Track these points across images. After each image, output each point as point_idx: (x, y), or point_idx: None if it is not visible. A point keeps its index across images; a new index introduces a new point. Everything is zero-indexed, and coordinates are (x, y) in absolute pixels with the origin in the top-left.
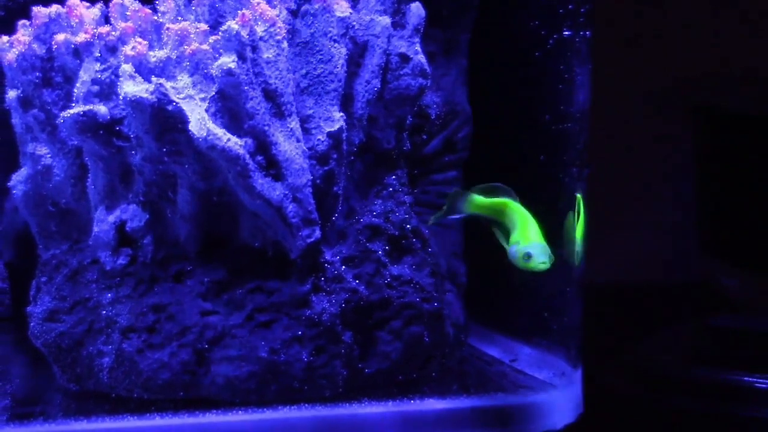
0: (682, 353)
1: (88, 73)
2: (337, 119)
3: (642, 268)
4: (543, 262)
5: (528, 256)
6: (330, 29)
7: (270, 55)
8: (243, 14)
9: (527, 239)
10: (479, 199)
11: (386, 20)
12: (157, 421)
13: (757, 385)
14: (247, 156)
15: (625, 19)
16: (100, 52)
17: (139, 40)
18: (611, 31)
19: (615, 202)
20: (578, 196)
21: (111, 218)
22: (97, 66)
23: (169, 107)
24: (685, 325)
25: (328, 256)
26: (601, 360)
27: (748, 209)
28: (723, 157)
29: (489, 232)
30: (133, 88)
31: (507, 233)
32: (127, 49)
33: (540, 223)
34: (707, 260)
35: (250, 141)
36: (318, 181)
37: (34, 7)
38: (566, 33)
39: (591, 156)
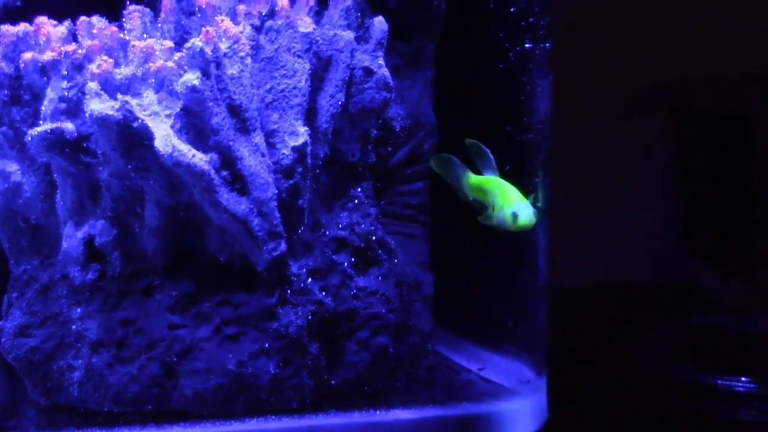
0: (663, 354)
1: (55, 90)
2: (301, 133)
3: (622, 269)
4: (529, 217)
5: (514, 216)
6: (293, 45)
7: (234, 72)
8: (207, 31)
9: (510, 202)
10: (473, 179)
11: (349, 35)
12: None
13: (736, 387)
14: (213, 171)
15: (605, 23)
16: (66, 70)
17: (105, 57)
18: (592, 34)
19: (595, 204)
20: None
21: (80, 234)
22: (64, 84)
23: (135, 124)
24: (665, 325)
25: (294, 269)
26: (581, 362)
27: (729, 209)
28: (703, 157)
29: (459, 235)
30: (99, 105)
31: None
32: (93, 67)
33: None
34: (687, 260)
35: (215, 156)
36: (283, 195)
37: (1, 26)
38: (527, 45)
39: (571, 158)
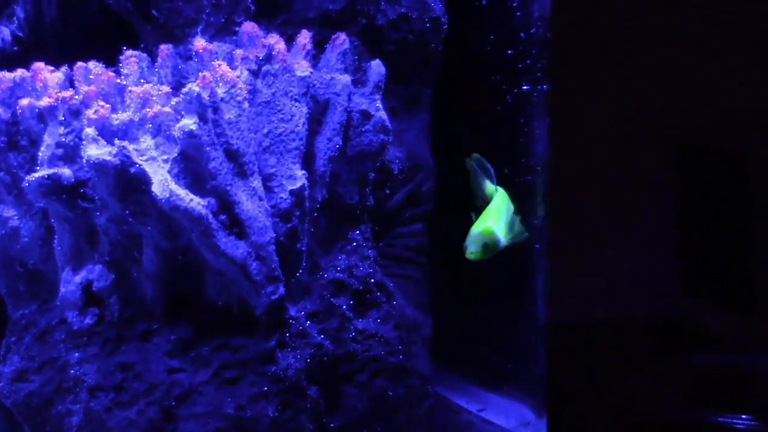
0: (663, 393)
1: (52, 136)
2: (299, 177)
3: (621, 306)
4: (471, 252)
5: (465, 247)
6: (291, 88)
7: (231, 116)
8: (204, 76)
9: (475, 227)
10: (491, 189)
11: (347, 78)
12: None
13: (737, 425)
14: (210, 215)
15: (605, 60)
16: (63, 116)
17: (102, 103)
18: (591, 71)
19: (594, 241)
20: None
21: (77, 278)
22: (61, 129)
23: (132, 169)
24: (665, 364)
25: (292, 312)
26: (580, 401)
27: (729, 247)
28: (703, 195)
29: (457, 276)
30: (96, 151)
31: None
32: (90, 113)
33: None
34: (688, 298)
35: (212, 201)
36: (281, 239)
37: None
38: (525, 87)
39: (570, 197)
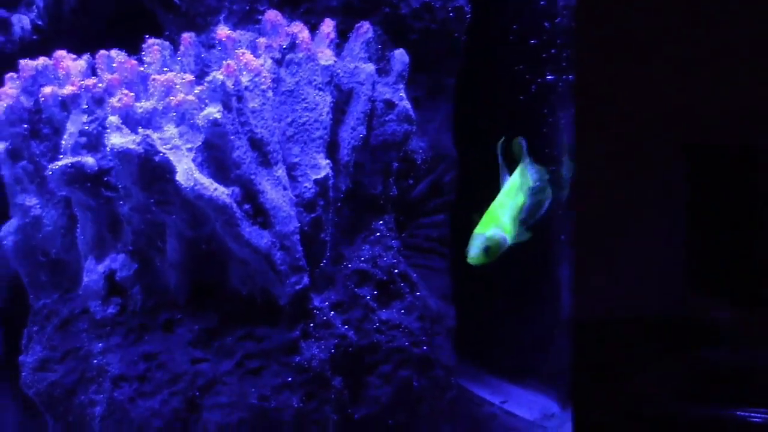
0: (674, 389)
1: (75, 124)
2: (323, 166)
3: (631, 303)
4: (471, 257)
5: (467, 252)
6: (314, 77)
7: (255, 105)
8: (228, 65)
9: (478, 229)
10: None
11: (371, 67)
12: None
13: (752, 419)
14: (234, 205)
15: (616, 56)
16: (87, 104)
17: (126, 91)
18: (603, 68)
19: (604, 238)
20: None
21: (100, 268)
22: (84, 118)
23: (156, 158)
24: (675, 360)
25: (316, 302)
26: (592, 398)
27: (738, 242)
28: (713, 190)
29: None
30: (120, 139)
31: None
32: (114, 101)
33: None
34: (697, 294)
35: (237, 190)
36: (305, 228)
37: (21, 61)
38: (550, 77)
39: (580, 192)
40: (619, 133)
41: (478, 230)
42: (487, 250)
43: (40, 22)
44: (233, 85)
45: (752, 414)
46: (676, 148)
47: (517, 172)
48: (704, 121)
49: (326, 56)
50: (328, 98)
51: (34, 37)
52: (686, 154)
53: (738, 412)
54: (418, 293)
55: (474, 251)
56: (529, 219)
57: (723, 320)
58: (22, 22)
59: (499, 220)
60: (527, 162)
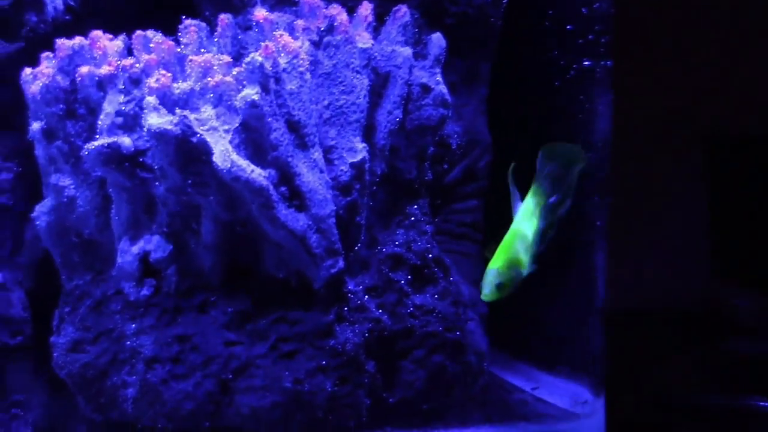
0: (698, 379)
1: (111, 105)
2: (359, 150)
3: (654, 294)
4: (484, 295)
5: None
6: (352, 60)
7: (293, 87)
8: (266, 46)
9: (491, 265)
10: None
11: (408, 51)
12: None
13: None
14: (271, 187)
15: (640, 46)
16: (123, 84)
17: (163, 72)
18: (628, 58)
19: (627, 229)
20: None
21: (135, 249)
22: (121, 98)
23: (194, 139)
24: (699, 350)
25: (351, 286)
26: (617, 387)
27: (761, 232)
28: (735, 180)
29: None
30: (157, 120)
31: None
32: (151, 81)
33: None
34: (720, 284)
35: (273, 172)
36: (341, 212)
37: (57, 40)
38: (586, 63)
39: (615, 180)
40: (654, 122)
41: (491, 265)
42: (500, 286)
43: (72, 2)
44: (271, 66)
45: None
46: (706, 137)
47: (529, 195)
48: (726, 110)
49: (364, 39)
50: (365, 81)
51: (67, 17)
52: (714, 144)
53: (762, 402)
54: (451, 278)
55: (487, 288)
56: (543, 242)
57: (748, 311)
58: (55, 2)
59: (513, 252)
60: (541, 178)
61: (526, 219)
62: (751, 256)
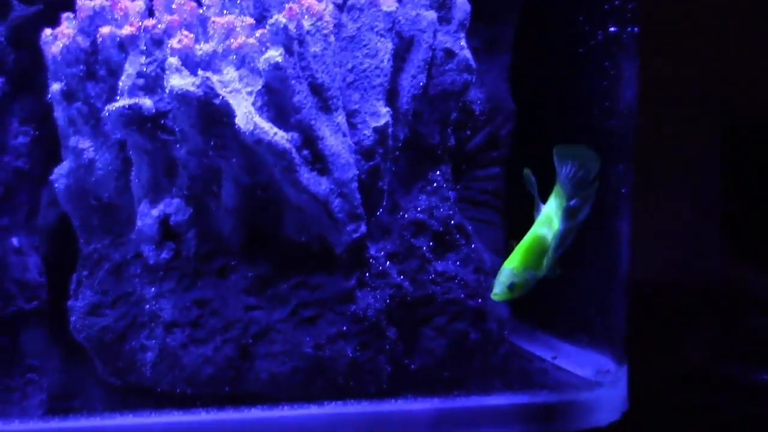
0: (716, 352)
1: (133, 66)
2: (383, 114)
3: (670, 268)
4: (494, 294)
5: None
6: (376, 24)
7: (317, 50)
8: (290, 8)
9: (505, 264)
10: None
11: (432, 15)
12: (203, 416)
13: None
14: (294, 150)
15: (659, 25)
16: (145, 45)
17: (186, 33)
18: (670, 21)
19: (642, 204)
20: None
21: (155, 212)
22: (143, 59)
23: (216, 101)
24: (721, 325)
25: (372, 252)
26: (640, 362)
27: None
28: (752, 158)
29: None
30: (179, 81)
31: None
32: (174, 42)
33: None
34: (735, 261)
35: (296, 135)
36: (363, 176)
37: (78, 0)
38: (612, 29)
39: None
40: (679, 92)
41: (507, 264)
42: (512, 286)
43: None
44: (295, 28)
45: None
46: (717, 114)
47: (552, 197)
48: (741, 91)
49: (388, 2)
50: (389, 45)
51: None
52: (724, 121)
53: None
54: (473, 245)
55: (499, 287)
56: (562, 246)
57: (761, 287)
58: None
59: (530, 254)
60: (563, 179)
61: (547, 221)
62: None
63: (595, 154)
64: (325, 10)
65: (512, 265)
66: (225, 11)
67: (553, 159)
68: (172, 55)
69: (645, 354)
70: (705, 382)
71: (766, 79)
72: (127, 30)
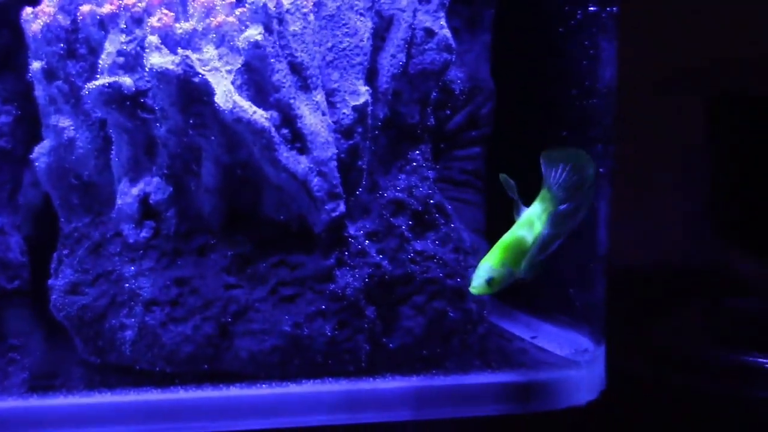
0: (697, 335)
1: (113, 44)
2: (362, 93)
3: (656, 251)
4: (472, 287)
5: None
6: (356, 2)
7: (296, 28)
8: None
9: (483, 260)
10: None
11: None
12: (181, 394)
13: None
14: (273, 129)
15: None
16: (125, 24)
17: (166, 11)
18: (633, 12)
19: (629, 186)
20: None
21: (134, 191)
22: (123, 37)
23: (195, 79)
24: (699, 307)
25: (351, 231)
26: (617, 342)
27: (764, 193)
28: (740, 140)
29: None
30: (159, 59)
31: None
32: (154, 21)
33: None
34: (721, 244)
35: (275, 114)
36: (342, 155)
37: None
38: (591, 8)
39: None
40: (646, 79)
41: (485, 259)
42: (491, 281)
43: None
44: (275, 7)
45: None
46: (712, 95)
47: (537, 201)
48: (730, 68)
49: None
50: (369, 24)
51: None
52: (717, 101)
53: (759, 359)
54: (452, 225)
55: (477, 281)
56: (544, 250)
57: (749, 271)
58: None
59: (508, 252)
60: (552, 184)
61: (528, 223)
62: (751, 217)
63: (590, 158)
64: None
65: (491, 261)
66: None
67: (540, 164)
68: (151, 33)
69: (624, 334)
70: (683, 363)
71: (752, 57)
72: (107, 8)
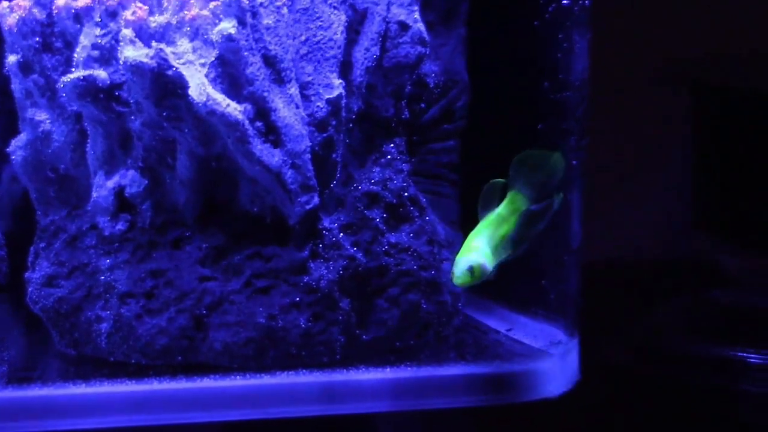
0: (678, 328)
1: (88, 38)
2: (336, 86)
3: (637, 244)
4: (456, 278)
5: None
6: None
7: (270, 21)
8: None
9: (460, 253)
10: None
11: None
12: (155, 385)
13: (750, 360)
14: (247, 122)
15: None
16: (100, 17)
17: (140, 5)
18: (614, 2)
19: (610, 178)
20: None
21: (110, 184)
22: (98, 31)
23: (169, 72)
24: (680, 300)
25: (326, 223)
26: (599, 334)
27: (745, 186)
28: (721, 132)
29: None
30: (133, 53)
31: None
32: (128, 14)
33: None
34: (702, 236)
35: (249, 107)
36: (317, 148)
37: None
38: (564, 2)
39: (589, 128)
40: (634, 64)
41: (459, 256)
42: (472, 270)
43: None
44: (248, 0)
45: (752, 355)
46: (689, 86)
47: (505, 202)
48: (713, 61)
49: None
50: (343, 17)
51: None
52: (698, 93)
53: (739, 353)
54: (427, 218)
55: (459, 271)
56: (513, 248)
57: (730, 264)
58: None
59: (479, 249)
60: (520, 185)
61: (492, 224)
62: (732, 209)
63: (559, 158)
64: None
65: (465, 254)
66: None
67: (510, 167)
68: (126, 26)
69: (601, 326)
70: (661, 355)
71: (730, 49)
72: (82, 2)
